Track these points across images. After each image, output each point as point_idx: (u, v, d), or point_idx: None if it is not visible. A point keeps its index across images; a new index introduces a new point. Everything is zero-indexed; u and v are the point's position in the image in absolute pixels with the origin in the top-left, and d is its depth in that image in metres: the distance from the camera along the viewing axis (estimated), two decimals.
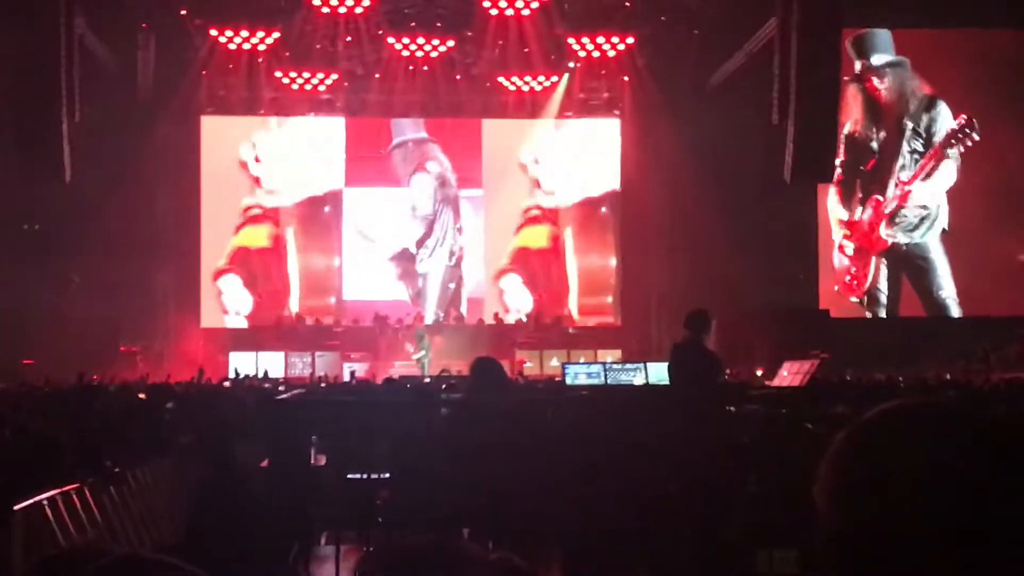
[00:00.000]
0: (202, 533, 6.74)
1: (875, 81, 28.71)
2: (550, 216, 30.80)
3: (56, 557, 1.64)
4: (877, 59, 28.67)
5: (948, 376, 20.44)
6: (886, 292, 28.66)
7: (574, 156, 30.80)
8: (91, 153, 23.49)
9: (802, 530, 6.31)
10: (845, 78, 28.04)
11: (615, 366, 17.14)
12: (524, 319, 29.32)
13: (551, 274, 30.66)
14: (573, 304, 30.62)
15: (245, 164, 29.87)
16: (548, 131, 30.87)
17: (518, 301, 30.23)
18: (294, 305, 29.90)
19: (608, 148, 30.98)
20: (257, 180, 29.90)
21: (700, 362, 9.48)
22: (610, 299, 30.72)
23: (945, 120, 28.43)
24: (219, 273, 29.56)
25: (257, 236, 29.96)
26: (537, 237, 30.72)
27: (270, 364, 25.61)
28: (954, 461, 1.35)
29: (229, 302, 29.58)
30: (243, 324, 29.50)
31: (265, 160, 29.93)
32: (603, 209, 30.92)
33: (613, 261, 30.85)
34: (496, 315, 29.07)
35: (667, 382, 9.90)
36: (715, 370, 9.86)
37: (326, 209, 30.35)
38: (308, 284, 30.13)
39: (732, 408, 10.18)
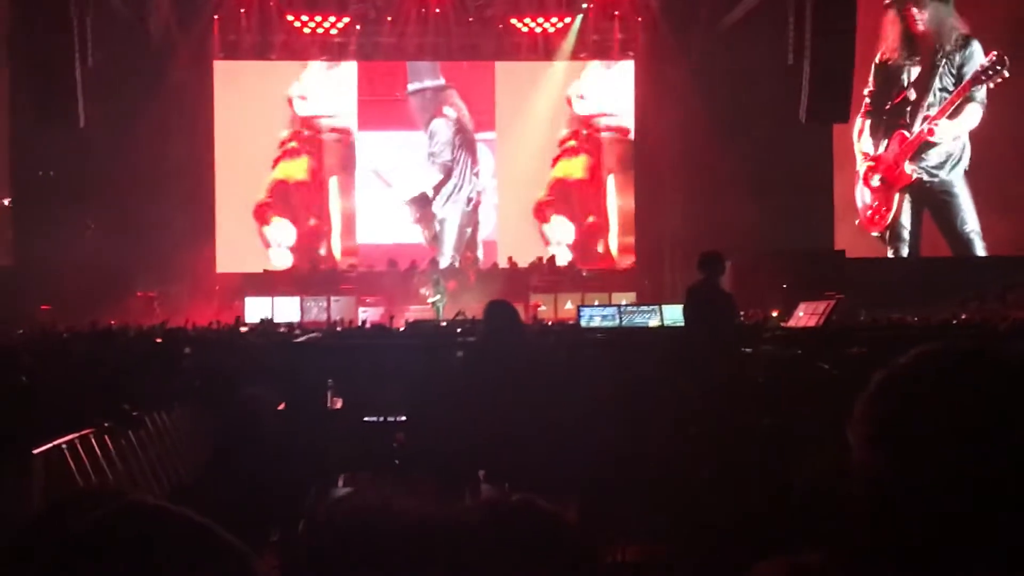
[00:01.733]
0: (220, 476, 6.79)
1: (915, 11, 28.36)
2: (588, 146, 30.75)
3: (66, 500, 1.64)
4: None
5: (963, 316, 20.41)
6: (908, 228, 28.53)
7: (603, 95, 30.71)
8: (104, 99, 23.47)
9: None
10: (885, 1, 27.79)
11: (630, 308, 17.18)
12: (544, 261, 29.25)
13: (590, 205, 30.71)
14: (614, 241, 30.68)
15: (291, 100, 29.98)
16: (581, 71, 30.74)
17: (563, 236, 30.31)
18: (336, 244, 30.06)
19: (622, 89, 30.81)
20: (300, 123, 30.03)
21: (715, 303, 9.48)
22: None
23: (977, 59, 28.15)
24: (261, 208, 29.73)
25: (295, 170, 30.08)
26: (575, 168, 30.71)
27: (285, 309, 25.69)
28: (990, 404, 1.34)
29: (273, 234, 29.76)
30: (287, 257, 29.78)
31: (307, 104, 29.98)
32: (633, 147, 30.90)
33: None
34: (510, 259, 29.04)
35: (682, 324, 9.89)
36: (730, 311, 9.86)
37: (343, 142, 30.39)
38: (346, 224, 30.33)
39: (748, 349, 10.18)
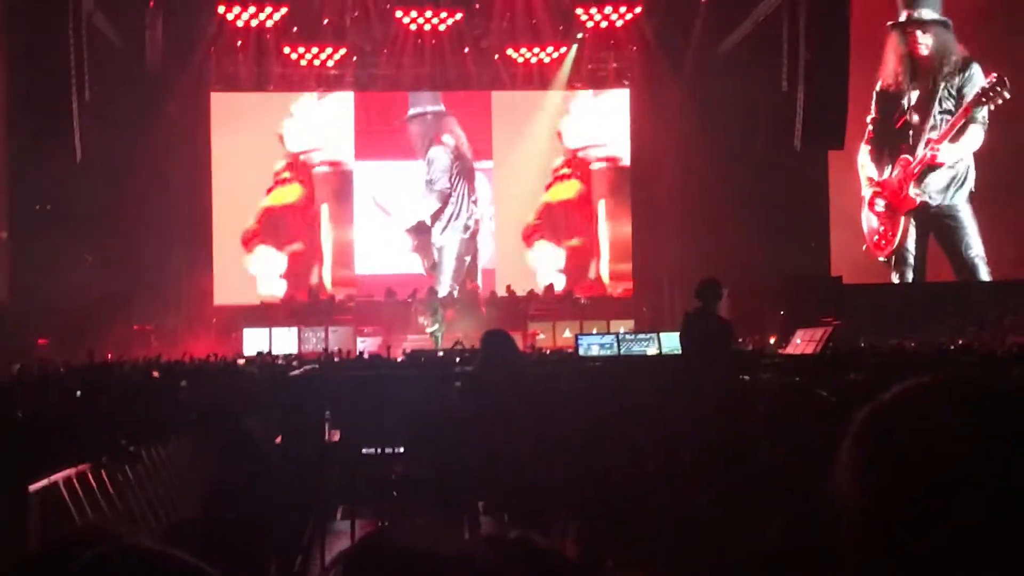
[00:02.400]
0: (218, 509, 6.76)
1: (918, 35, 28.45)
2: (580, 173, 30.85)
3: (61, 540, 1.63)
4: (925, 13, 28.39)
5: (961, 341, 20.40)
6: (914, 253, 28.52)
7: (595, 124, 30.83)
8: (102, 132, 23.51)
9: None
10: (888, 23, 27.87)
11: (628, 336, 17.18)
12: (540, 292, 29.28)
13: (576, 227, 30.80)
14: (605, 269, 30.72)
15: (281, 137, 30.05)
16: (572, 102, 30.89)
17: (548, 259, 30.43)
18: (326, 275, 30.06)
19: (618, 118, 30.92)
20: (292, 155, 30.15)
21: (713, 330, 9.46)
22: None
23: (977, 81, 28.14)
24: (249, 236, 29.77)
25: (286, 194, 30.11)
26: (565, 191, 30.78)
27: (283, 340, 25.67)
28: (979, 438, 1.32)
29: (260, 262, 29.81)
30: (277, 285, 29.78)
31: (299, 129, 30.10)
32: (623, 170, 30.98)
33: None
34: (509, 287, 29.06)
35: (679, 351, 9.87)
36: (728, 337, 9.84)
37: (346, 169, 30.43)
38: (339, 255, 30.35)
39: (746, 376, 10.17)
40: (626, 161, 30.95)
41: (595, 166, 30.96)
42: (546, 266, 30.41)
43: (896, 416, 1.40)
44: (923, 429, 1.35)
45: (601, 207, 30.92)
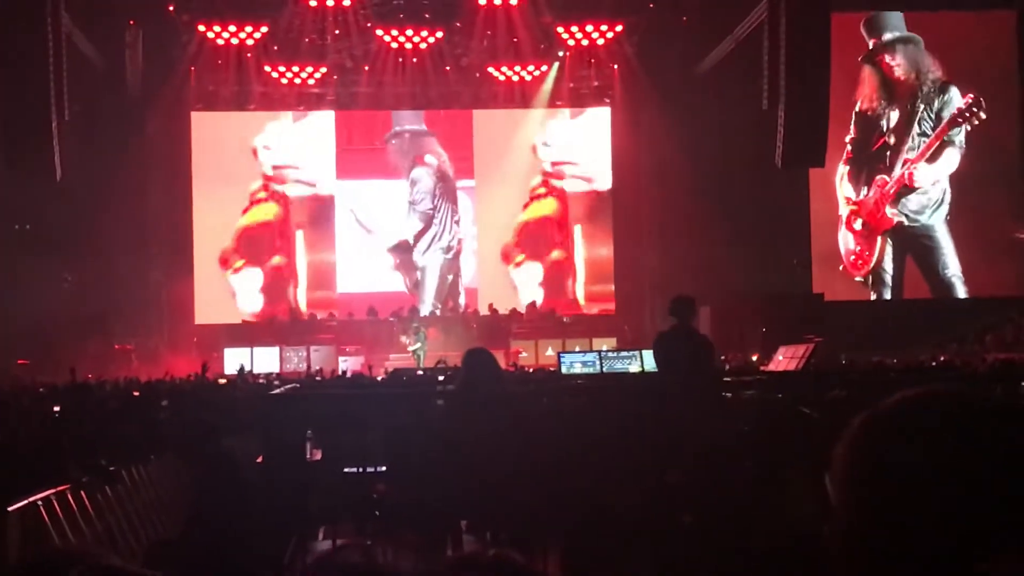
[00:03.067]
0: (199, 529, 6.72)
1: (887, 58, 28.67)
2: (557, 193, 30.90)
3: (36, 563, 1.61)
4: (888, 36, 28.64)
5: (943, 358, 20.46)
6: (891, 272, 28.66)
7: (573, 136, 30.90)
8: (81, 151, 23.44)
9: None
10: (858, 58, 28.07)
11: (610, 354, 17.10)
12: (522, 310, 29.32)
13: (553, 244, 30.84)
14: (580, 291, 30.79)
15: (256, 151, 30.00)
16: (549, 120, 30.95)
17: (528, 275, 30.41)
18: (301, 297, 29.95)
19: (599, 137, 31.01)
20: (266, 176, 30.06)
21: (692, 347, 9.42)
22: (613, 287, 30.87)
23: (955, 103, 28.49)
24: (226, 256, 29.68)
25: (262, 214, 30.05)
26: (542, 208, 30.84)
27: (265, 359, 25.60)
28: (969, 451, 1.31)
29: (238, 281, 29.69)
30: (256, 301, 29.71)
31: (273, 149, 30.03)
32: (607, 205, 31.06)
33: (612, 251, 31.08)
34: (491, 306, 29.06)
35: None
36: (711, 353, 9.79)
37: (323, 193, 30.39)
38: (314, 278, 30.29)
39: (728, 394, 10.15)
40: (602, 183, 31.03)
41: (571, 186, 31.01)
42: (526, 282, 30.42)
43: (889, 427, 1.39)
44: (915, 440, 1.35)
45: (577, 229, 31.00)
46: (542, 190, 30.94)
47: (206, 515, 7.05)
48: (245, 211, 29.98)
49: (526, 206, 30.81)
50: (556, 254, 30.83)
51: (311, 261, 30.30)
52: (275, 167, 30.12)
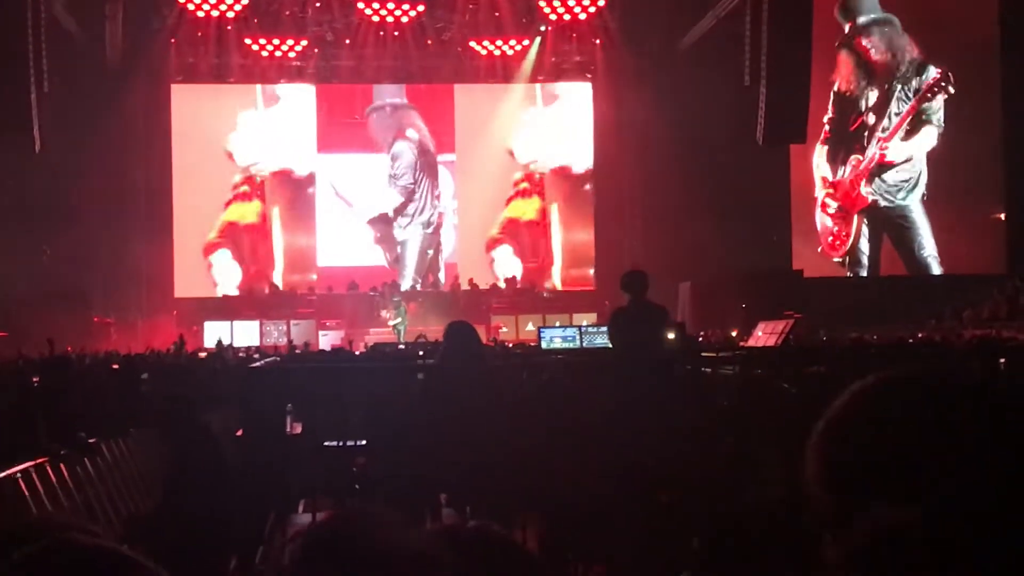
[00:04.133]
0: (178, 503, 6.71)
1: (863, 41, 28.70)
2: (539, 189, 30.84)
3: (8, 533, 1.60)
4: (864, 18, 28.66)
5: (921, 335, 20.55)
6: (867, 252, 28.78)
7: (553, 120, 30.83)
8: (61, 124, 23.30)
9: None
10: (836, 43, 28.09)
11: (591, 329, 17.16)
12: (502, 284, 29.36)
13: (539, 246, 30.78)
14: (557, 276, 30.77)
15: (230, 154, 29.85)
16: (524, 98, 30.85)
17: (507, 270, 30.31)
18: (278, 279, 29.87)
19: (582, 113, 30.96)
20: (236, 161, 29.94)
21: (645, 322, 9.38)
22: (592, 271, 30.88)
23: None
24: (210, 247, 29.61)
25: (246, 212, 29.97)
26: (526, 210, 30.81)
27: (245, 333, 25.54)
28: (950, 432, 1.31)
29: (219, 275, 29.58)
30: (234, 282, 29.75)
31: (246, 144, 29.88)
32: (587, 186, 31.00)
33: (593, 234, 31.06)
34: (471, 280, 29.05)
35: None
36: (663, 326, 9.74)
37: (300, 174, 30.28)
38: (292, 257, 30.18)
39: (707, 369, 10.19)
40: (579, 166, 30.97)
41: (549, 171, 30.92)
42: (504, 262, 30.42)
43: (863, 409, 1.38)
44: (890, 422, 1.34)
45: (555, 214, 30.91)
46: (525, 185, 30.86)
47: (184, 489, 7.04)
48: (228, 204, 29.82)
49: (509, 201, 30.73)
50: (534, 262, 30.78)
51: (289, 243, 30.19)
52: (250, 160, 29.91)
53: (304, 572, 1.35)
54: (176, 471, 7.15)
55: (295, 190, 30.31)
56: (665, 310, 9.91)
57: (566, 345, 15.78)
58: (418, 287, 29.32)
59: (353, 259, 29.94)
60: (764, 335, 16.76)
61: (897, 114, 28.58)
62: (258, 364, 11.77)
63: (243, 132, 29.88)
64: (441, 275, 30.24)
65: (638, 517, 6.55)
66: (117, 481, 8.22)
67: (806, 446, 1.42)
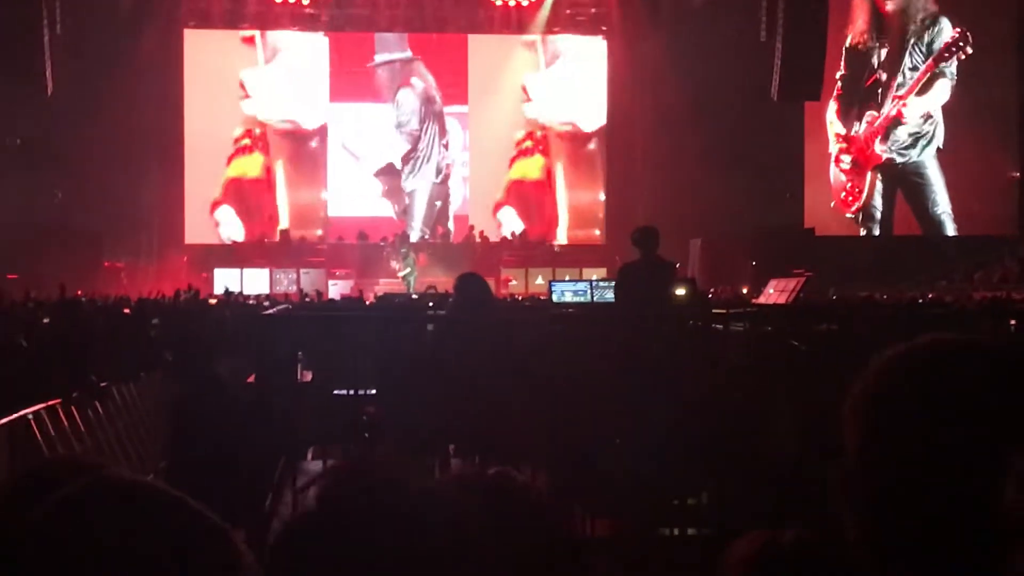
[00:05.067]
0: (187, 448, 6.74)
1: None
2: (542, 147, 30.68)
3: (39, 470, 1.60)
4: None
5: (932, 295, 20.53)
6: (881, 208, 28.67)
7: (563, 78, 30.61)
8: (73, 66, 23.23)
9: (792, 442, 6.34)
10: None
11: (601, 284, 17.13)
12: (510, 236, 29.32)
13: (543, 205, 30.66)
14: (563, 234, 30.68)
15: (241, 88, 29.71)
16: (537, 53, 30.64)
17: (510, 226, 30.30)
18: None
19: (596, 70, 30.76)
20: (245, 110, 29.81)
21: (653, 278, 9.37)
22: (598, 232, 30.79)
23: (946, 36, 28.26)
24: (215, 205, 29.56)
25: (249, 167, 29.87)
26: (531, 169, 30.66)
27: (255, 281, 25.58)
28: (984, 399, 1.29)
29: (224, 232, 29.59)
30: (239, 234, 29.75)
31: (255, 90, 29.73)
32: (591, 145, 30.84)
33: (602, 196, 30.88)
34: (482, 232, 29.01)
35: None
36: (670, 282, 9.73)
37: (310, 127, 30.18)
38: (297, 213, 30.08)
39: (718, 326, 10.17)
40: (590, 123, 30.78)
41: (555, 128, 30.72)
42: (508, 222, 30.34)
43: (903, 374, 1.36)
44: (931, 388, 1.32)
45: (560, 173, 30.76)
46: (528, 143, 30.67)
47: (194, 434, 7.07)
48: (230, 160, 29.72)
49: (513, 161, 30.57)
50: (540, 215, 30.67)
51: (295, 197, 30.08)
52: (260, 112, 29.80)
53: (324, 519, 1.35)
54: (187, 415, 7.18)
55: (302, 142, 30.20)
56: (675, 265, 9.91)
57: (577, 299, 15.76)
58: (427, 238, 29.28)
59: (362, 210, 29.87)
60: (775, 292, 16.76)
61: (912, 69, 28.35)
62: (270, 311, 11.78)
63: (254, 80, 29.73)
64: (450, 225, 30.17)
65: (645, 470, 6.57)
66: (127, 424, 8.26)
67: (841, 409, 1.40)
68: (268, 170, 30.00)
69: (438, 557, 1.29)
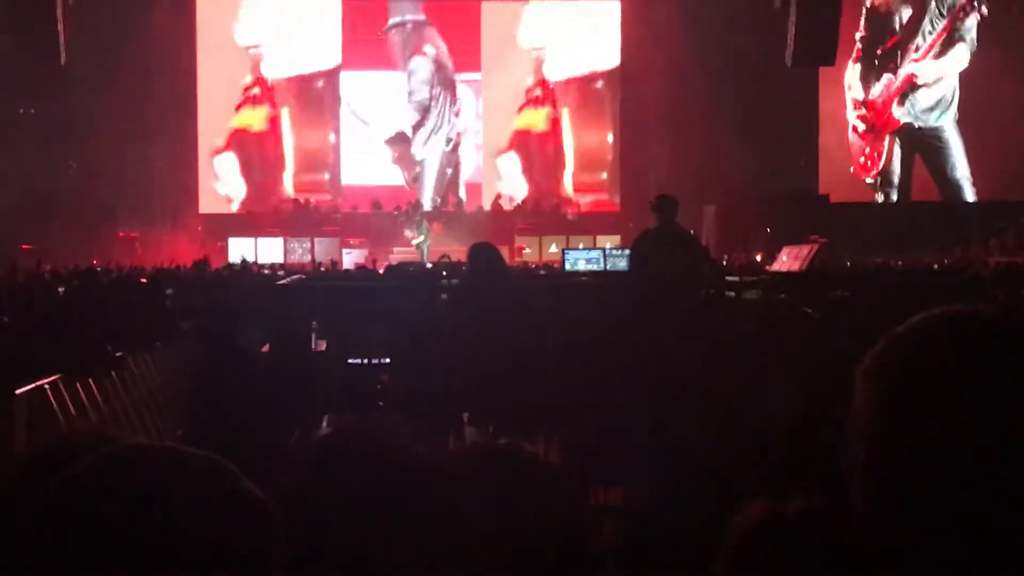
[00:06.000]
0: (203, 417, 6.79)
1: None
2: (550, 97, 30.53)
3: (58, 443, 1.63)
4: None
5: (947, 261, 20.47)
6: (899, 173, 28.55)
7: (574, 38, 30.43)
8: (86, 36, 23.22)
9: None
10: None
11: (614, 252, 17.15)
12: (521, 204, 29.27)
13: (548, 153, 30.51)
14: (568, 181, 30.53)
15: (254, 66, 29.69)
16: (549, 12, 30.45)
17: (514, 186, 30.14)
18: (288, 183, 29.83)
19: (608, 29, 30.59)
20: (256, 60, 29.68)
21: (671, 246, 9.35)
22: (605, 175, 30.62)
23: None
24: (216, 152, 29.50)
25: (255, 118, 29.79)
26: (537, 120, 30.50)
27: (269, 250, 25.62)
28: (1004, 373, 1.28)
29: (223, 186, 29.58)
30: (235, 209, 29.59)
31: (262, 37, 29.64)
32: (599, 84, 30.58)
33: (610, 137, 30.64)
34: (498, 196, 28.97)
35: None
36: (691, 251, 9.70)
37: (319, 84, 30.10)
38: (302, 161, 30.01)
39: (731, 293, 10.19)
40: (599, 68, 30.54)
41: (566, 82, 30.53)
42: (510, 188, 30.21)
43: (918, 347, 1.35)
44: (947, 361, 1.31)
45: (567, 121, 30.59)
46: (538, 92, 30.52)
47: (209, 403, 7.12)
48: (239, 107, 29.70)
49: (521, 109, 30.46)
50: (544, 164, 30.53)
51: (304, 147, 30.05)
52: (264, 53, 29.73)
53: (317, 482, 1.38)
54: (201, 384, 7.22)
55: (309, 86, 30.12)
56: (697, 238, 9.90)
57: (590, 267, 15.80)
58: (438, 206, 29.25)
59: (375, 179, 29.85)
60: (788, 260, 16.74)
61: (931, 32, 28.17)
62: (285, 281, 11.82)
63: (267, 46, 29.66)
64: (462, 193, 30.12)
65: (657, 439, 6.59)
66: (144, 394, 8.31)
67: (858, 370, 1.39)
68: (274, 121, 29.93)
69: (431, 519, 1.31)
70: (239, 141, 29.64)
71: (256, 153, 29.76)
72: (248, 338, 8.97)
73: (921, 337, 1.35)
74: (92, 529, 1.20)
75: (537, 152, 30.40)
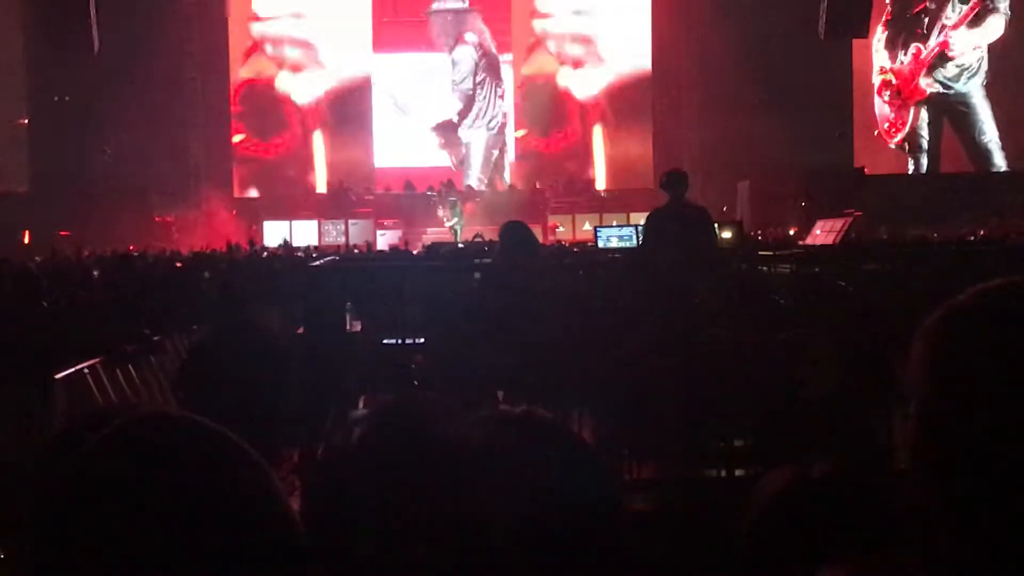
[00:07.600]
0: (239, 399, 6.83)
1: None
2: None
3: (86, 418, 1.66)
4: None
5: (983, 232, 20.31)
6: (927, 138, 28.35)
7: (606, 16, 30.32)
8: (119, 23, 23.33)
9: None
10: None
11: None
12: (554, 183, 29.25)
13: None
14: (600, 171, 30.56)
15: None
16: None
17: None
18: (320, 166, 29.99)
19: (641, 4, 30.44)
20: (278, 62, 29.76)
21: (682, 223, 9.29)
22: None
23: None
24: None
25: (265, 66, 29.88)
26: (546, 63, 30.47)
27: (304, 232, 25.74)
28: None
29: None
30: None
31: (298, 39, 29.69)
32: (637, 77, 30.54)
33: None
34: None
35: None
36: (701, 227, 9.62)
37: (352, 74, 30.09)
38: (334, 142, 30.07)
39: (764, 267, 10.15)
40: (637, 62, 30.42)
41: (600, 69, 30.44)
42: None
43: (980, 315, 1.33)
44: (1004, 331, 1.29)
45: (598, 133, 30.51)
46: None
47: (246, 385, 7.16)
48: (246, 57, 29.72)
49: (529, 53, 30.39)
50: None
51: (339, 164, 30.09)
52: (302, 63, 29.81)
53: (370, 454, 1.41)
54: (239, 367, 7.25)
55: (347, 90, 30.09)
56: (707, 211, 9.84)
57: (623, 244, 15.72)
58: (483, 187, 29.26)
59: (409, 160, 29.85)
60: (823, 233, 16.66)
61: (963, 2, 27.90)
62: (318, 263, 11.87)
63: (297, 30, 29.71)
64: (506, 175, 30.12)
65: (690, 414, 6.60)
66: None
67: (913, 350, 1.37)
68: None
69: (472, 488, 1.34)
70: (248, 94, 29.69)
71: (271, 118, 29.78)
72: (283, 319, 9.03)
73: (984, 305, 1.33)
74: (113, 495, 1.24)
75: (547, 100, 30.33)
